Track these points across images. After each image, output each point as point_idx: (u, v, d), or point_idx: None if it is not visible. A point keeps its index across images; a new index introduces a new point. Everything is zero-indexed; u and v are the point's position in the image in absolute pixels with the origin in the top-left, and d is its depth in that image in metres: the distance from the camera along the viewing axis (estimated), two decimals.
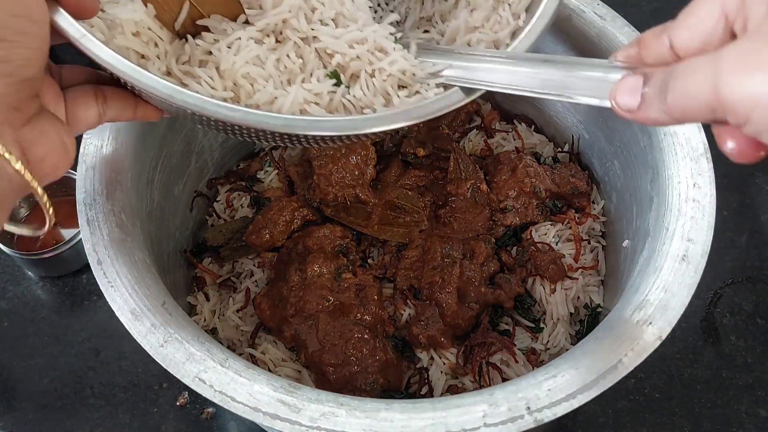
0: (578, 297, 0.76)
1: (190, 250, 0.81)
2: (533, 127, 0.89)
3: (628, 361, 0.52)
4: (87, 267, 0.63)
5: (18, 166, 0.41)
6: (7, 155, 0.40)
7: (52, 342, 0.84)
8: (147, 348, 0.53)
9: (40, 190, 0.43)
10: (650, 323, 0.54)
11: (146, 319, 0.54)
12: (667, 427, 0.79)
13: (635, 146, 0.70)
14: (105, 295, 0.56)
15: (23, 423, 0.79)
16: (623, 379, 0.52)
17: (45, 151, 0.43)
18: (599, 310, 0.76)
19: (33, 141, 0.43)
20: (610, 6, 0.72)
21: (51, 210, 0.46)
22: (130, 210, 0.63)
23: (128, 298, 0.55)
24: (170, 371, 0.52)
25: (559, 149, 0.87)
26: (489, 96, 0.90)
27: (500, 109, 0.90)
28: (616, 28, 0.71)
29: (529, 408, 0.50)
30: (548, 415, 0.50)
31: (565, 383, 0.51)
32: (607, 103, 0.41)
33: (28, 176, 0.42)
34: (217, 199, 0.85)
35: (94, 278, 0.56)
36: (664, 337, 0.53)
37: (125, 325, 0.54)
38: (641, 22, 0.72)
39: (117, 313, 0.55)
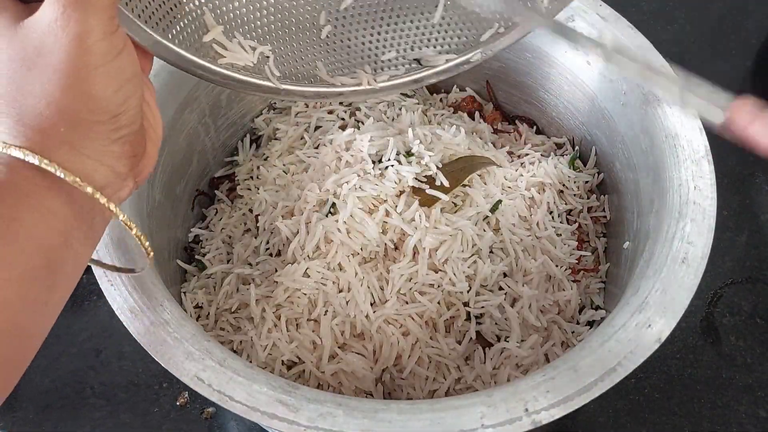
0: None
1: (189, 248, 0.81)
2: (535, 128, 0.89)
3: (627, 363, 0.52)
4: (87, 267, 0.63)
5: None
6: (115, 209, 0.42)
7: (53, 342, 0.84)
8: (146, 346, 0.53)
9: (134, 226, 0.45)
10: (649, 326, 0.54)
11: (145, 317, 0.55)
12: (667, 427, 0.78)
13: (636, 148, 0.70)
14: (105, 294, 0.56)
15: (24, 423, 0.79)
16: (623, 379, 0.52)
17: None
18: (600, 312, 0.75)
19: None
20: (610, 7, 0.72)
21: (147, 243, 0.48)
22: (131, 208, 0.63)
23: (128, 297, 0.55)
24: (169, 370, 0.52)
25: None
26: (491, 96, 0.90)
27: (502, 109, 0.90)
28: (619, 29, 0.71)
29: (527, 410, 0.50)
30: (546, 417, 0.50)
31: (564, 385, 0.51)
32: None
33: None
34: (219, 198, 0.85)
35: (94, 278, 0.56)
36: (663, 339, 0.53)
37: (125, 323, 0.54)
38: (641, 22, 0.72)
39: (116, 312, 0.55)
